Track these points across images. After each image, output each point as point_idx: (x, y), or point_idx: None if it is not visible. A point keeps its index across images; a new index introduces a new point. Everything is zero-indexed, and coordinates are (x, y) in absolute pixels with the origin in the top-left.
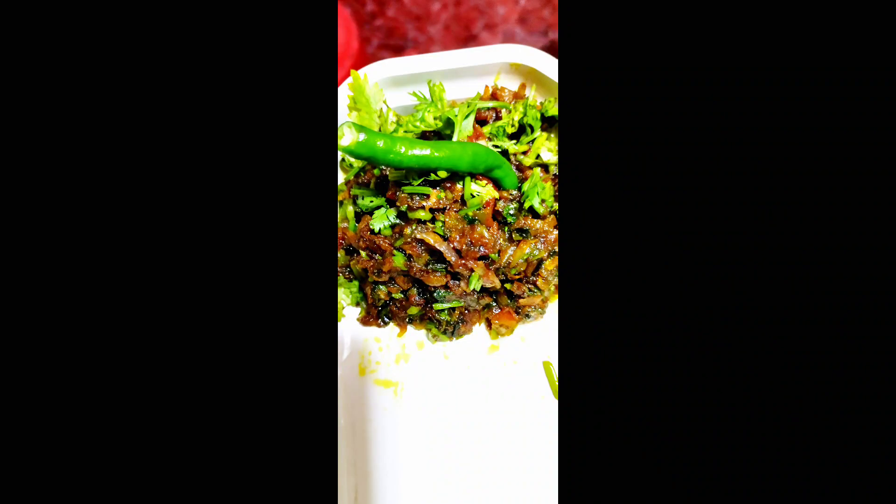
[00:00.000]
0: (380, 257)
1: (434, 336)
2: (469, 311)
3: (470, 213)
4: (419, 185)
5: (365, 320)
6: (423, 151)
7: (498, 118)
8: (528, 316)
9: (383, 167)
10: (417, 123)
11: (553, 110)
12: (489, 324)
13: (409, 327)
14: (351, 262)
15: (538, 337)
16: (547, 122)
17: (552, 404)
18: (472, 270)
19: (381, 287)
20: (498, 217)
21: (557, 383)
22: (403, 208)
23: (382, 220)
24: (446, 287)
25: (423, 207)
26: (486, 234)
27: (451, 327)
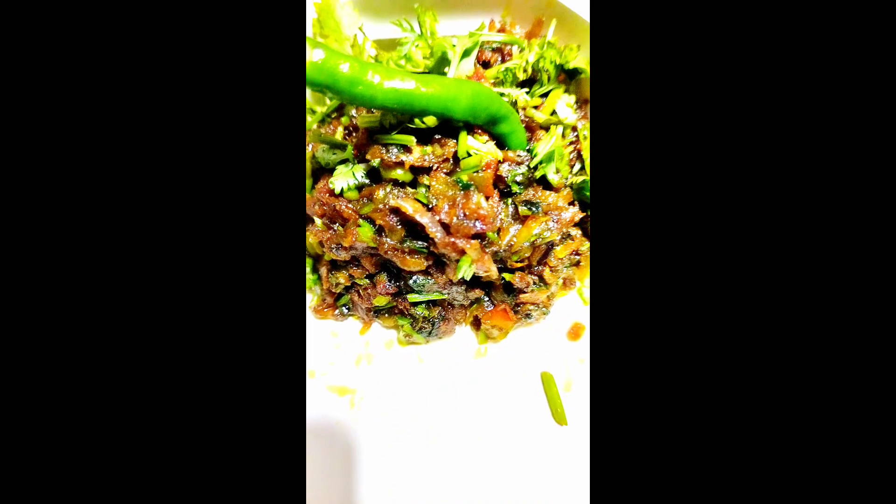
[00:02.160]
0: (340, 228)
1: (406, 335)
2: (453, 305)
3: (464, 177)
4: (398, 134)
5: (318, 310)
6: (404, 84)
7: (504, 61)
8: (528, 316)
9: (353, 113)
10: (402, 61)
11: (575, 60)
12: (477, 323)
13: (375, 322)
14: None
15: (536, 340)
16: (567, 76)
17: (550, 425)
18: (462, 253)
19: (340, 270)
20: (500, 184)
21: (560, 399)
22: (375, 163)
23: (347, 177)
24: (426, 273)
25: (401, 164)
26: (483, 205)
27: (429, 325)
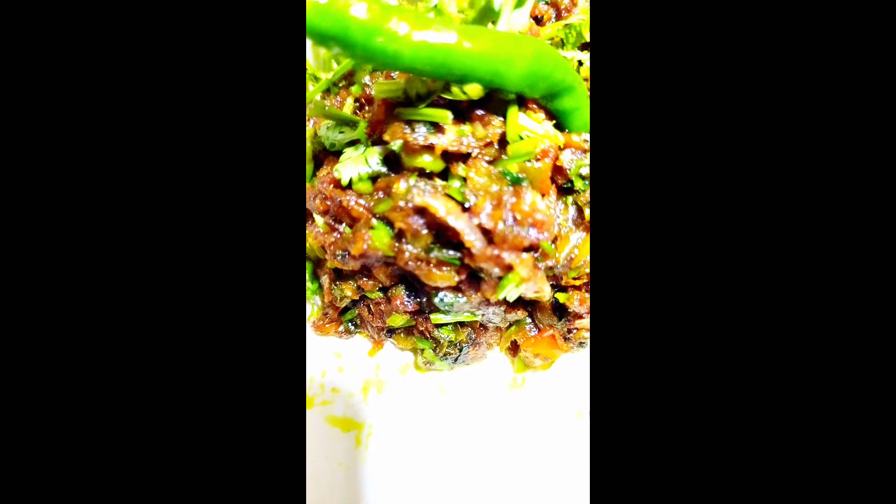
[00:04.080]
0: (347, 230)
1: (427, 361)
2: (486, 328)
3: (513, 168)
4: (426, 108)
5: (319, 324)
6: (442, 37)
7: (559, 18)
8: (581, 345)
9: (367, 80)
10: (430, 15)
11: None
12: (515, 348)
13: (388, 341)
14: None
15: (581, 371)
16: None
17: None
18: (508, 269)
19: (346, 280)
20: (558, 178)
21: None
22: (395, 147)
23: (357, 164)
24: (457, 289)
25: (430, 148)
26: (539, 206)
27: (456, 350)
